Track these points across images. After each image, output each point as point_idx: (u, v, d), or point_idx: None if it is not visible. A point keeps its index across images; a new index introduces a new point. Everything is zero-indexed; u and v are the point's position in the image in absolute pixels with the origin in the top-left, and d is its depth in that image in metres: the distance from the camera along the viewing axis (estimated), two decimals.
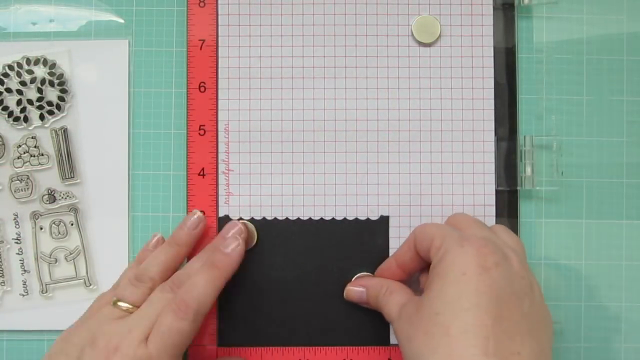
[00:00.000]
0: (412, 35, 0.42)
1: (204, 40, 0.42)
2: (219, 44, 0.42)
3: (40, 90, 0.42)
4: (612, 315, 0.42)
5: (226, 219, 0.42)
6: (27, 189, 0.42)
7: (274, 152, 0.42)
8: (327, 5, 0.42)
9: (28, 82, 0.42)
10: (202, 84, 0.42)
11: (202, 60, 0.42)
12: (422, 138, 0.42)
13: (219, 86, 0.42)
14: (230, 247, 0.38)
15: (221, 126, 0.42)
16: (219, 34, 0.42)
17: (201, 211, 0.41)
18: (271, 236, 0.42)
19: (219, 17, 0.42)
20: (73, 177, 0.42)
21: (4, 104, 0.42)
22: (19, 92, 0.42)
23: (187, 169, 0.42)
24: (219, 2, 0.42)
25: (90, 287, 0.42)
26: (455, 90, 0.42)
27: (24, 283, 0.42)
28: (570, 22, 0.43)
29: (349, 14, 0.42)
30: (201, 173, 0.42)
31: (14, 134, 0.42)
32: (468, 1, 0.42)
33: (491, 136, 0.42)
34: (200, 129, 0.42)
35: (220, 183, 0.42)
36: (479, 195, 0.42)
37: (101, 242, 0.42)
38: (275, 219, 0.42)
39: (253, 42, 0.42)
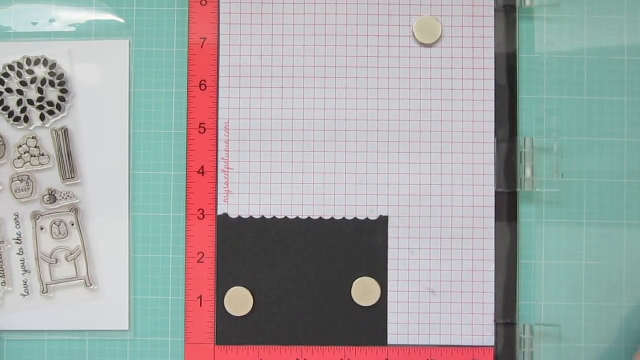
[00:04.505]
0: (413, 35, 0.42)
1: (205, 39, 0.42)
2: (220, 42, 0.42)
3: (40, 90, 0.42)
4: (612, 315, 0.42)
5: (225, 217, 0.42)
6: (28, 189, 0.42)
7: (273, 150, 0.42)
8: (328, 5, 0.42)
9: (28, 82, 0.42)
10: (202, 82, 0.42)
11: (202, 59, 0.42)
12: (421, 138, 0.42)
13: (220, 84, 0.42)
14: None
15: (221, 124, 0.42)
16: (220, 32, 0.42)
17: None
18: (270, 235, 0.42)
19: (220, 15, 0.42)
20: (73, 177, 0.42)
21: (4, 104, 0.42)
22: (19, 92, 0.42)
23: (186, 166, 0.42)
24: (221, 0, 0.42)
25: (91, 287, 0.42)
26: (455, 91, 0.42)
27: (25, 283, 0.42)
28: (571, 24, 0.42)
29: (350, 14, 0.42)
30: (200, 171, 0.42)
31: (15, 134, 0.42)
32: (469, 2, 0.42)
33: (491, 137, 0.42)
34: (200, 127, 0.42)
35: (220, 181, 0.42)
36: (478, 196, 0.42)
37: (101, 242, 0.42)
38: (274, 217, 0.42)
39: (254, 41, 0.42)
